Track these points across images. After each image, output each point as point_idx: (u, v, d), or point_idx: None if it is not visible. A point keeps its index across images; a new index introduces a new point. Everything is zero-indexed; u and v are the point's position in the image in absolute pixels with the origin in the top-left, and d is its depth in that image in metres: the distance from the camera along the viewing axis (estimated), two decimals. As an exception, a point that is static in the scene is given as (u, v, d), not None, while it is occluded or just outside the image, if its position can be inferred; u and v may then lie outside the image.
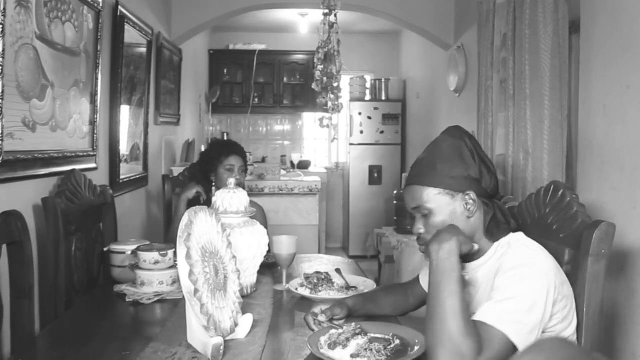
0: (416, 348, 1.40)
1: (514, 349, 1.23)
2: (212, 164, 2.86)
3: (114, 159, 3.05)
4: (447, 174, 1.44)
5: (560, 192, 1.51)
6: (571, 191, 1.50)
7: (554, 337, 1.11)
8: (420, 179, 1.47)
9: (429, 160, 1.48)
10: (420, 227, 1.49)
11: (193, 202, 2.70)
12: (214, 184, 2.87)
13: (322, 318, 1.57)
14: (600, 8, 2.29)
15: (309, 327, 1.58)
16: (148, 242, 2.13)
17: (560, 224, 1.48)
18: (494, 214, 1.46)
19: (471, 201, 1.43)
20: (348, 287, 1.97)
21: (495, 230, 1.46)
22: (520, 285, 1.28)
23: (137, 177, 3.50)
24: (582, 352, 1.02)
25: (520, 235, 1.47)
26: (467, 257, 1.44)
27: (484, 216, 1.45)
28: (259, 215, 2.13)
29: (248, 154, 5.07)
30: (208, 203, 2.68)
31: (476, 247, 1.40)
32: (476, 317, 1.27)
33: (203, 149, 4.77)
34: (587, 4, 2.40)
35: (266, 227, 2.51)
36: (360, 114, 6.59)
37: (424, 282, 1.72)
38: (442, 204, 1.44)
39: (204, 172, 2.92)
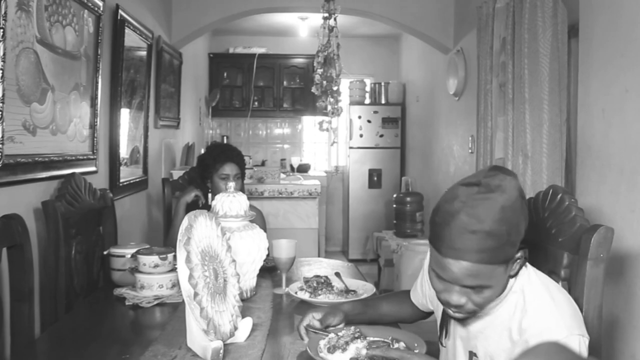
0: (415, 352, 1.40)
1: None
2: (207, 171, 2.85)
3: (114, 162, 3.05)
4: (512, 244, 1.23)
5: (559, 196, 1.51)
6: (570, 195, 1.50)
7: (551, 341, 1.09)
8: (488, 257, 1.20)
9: (496, 231, 1.19)
10: (462, 300, 1.27)
11: (192, 206, 2.70)
12: (210, 190, 2.86)
13: (316, 324, 1.56)
14: (599, 12, 2.30)
15: (300, 337, 1.54)
16: (148, 246, 2.13)
17: (558, 228, 1.49)
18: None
19: (517, 265, 1.28)
20: (347, 291, 1.97)
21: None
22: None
23: (137, 180, 3.50)
24: (579, 357, 1.02)
25: (530, 270, 1.34)
26: None
27: (525, 260, 1.33)
28: (258, 220, 2.13)
29: (247, 158, 5.07)
30: (207, 207, 2.68)
31: None
32: None
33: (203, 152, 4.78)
34: (585, 8, 2.41)
35: (265, 231, 2.51)
36: (359, 117, 6.60)
37: (415, 298, 1.69)
38: (498, 276, 1.24)
39: (201, 177, 2.91)
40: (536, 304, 1.26)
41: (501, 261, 1.22)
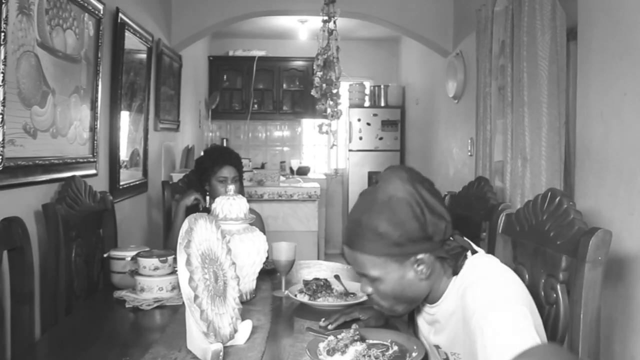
0: (414, 354, 1.41)
1: None
2: (205, 174, 2.85)
3: (114, 165, 3.06)
4: (392, 241, 1.27)
5: (557, 199, 1.52)
6: (568, 198, 1.51)
7: (546, 343, 1.09)
8: (361, 245, 1.30)
9: (369, 223, 1.28)
10: (368, 289, 1.37)
11: (192, 209, 2.70)
12: (208, 193, 2.86)
13: (330, 326, 1.64)
14: (598, 16, 2.31)
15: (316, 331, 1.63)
16: (148, 248, 2.13)
17: (557, 231, 1.49)
18: (449, 255, 1.33)
19: (423, 265, 1.30)
20: (347, 294, 1.97)
21: (454, 266, 1.35)
22: (502, 319, 1.18)
23: (137, 183, 3.51)
24: (574, 359, 1.03)
25: (476, 258, 1.36)
26: (426, 299, 1.40)
27: (440, 265, 1.34)
28: (257, 223, 2.13)
29: (247, 160, 5.08)
30: (206, 210, 2.68)
31: None
32: None
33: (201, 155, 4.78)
34: (584, 11, 2.42)
35: (264, 234, 2.51)
36: (359, 120, 6.61)
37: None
38: (389, 271, 1.30)
39: (199, 180, 2.91)
40: (475, 284, 1.27)
41: (378, 254, 1.28)
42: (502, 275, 1.30)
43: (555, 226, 1.50)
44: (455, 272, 1.34)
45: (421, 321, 1.50)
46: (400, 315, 1.46)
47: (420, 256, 1.29)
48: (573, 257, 1.42)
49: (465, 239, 1.39)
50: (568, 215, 1.47)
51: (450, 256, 1.32)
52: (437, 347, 1.42)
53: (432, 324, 1.43)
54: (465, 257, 1.35)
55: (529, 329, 1.15)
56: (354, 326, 1.49)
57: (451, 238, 1.35)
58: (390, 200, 1.27)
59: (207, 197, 2.85)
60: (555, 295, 1.46)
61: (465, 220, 2.30)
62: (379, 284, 1.33)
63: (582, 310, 1.38)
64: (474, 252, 1.37)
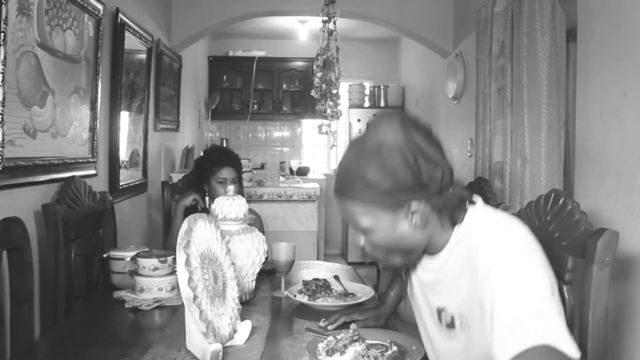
0: (413, 355, 1.41)
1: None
2: (205, 175, 2.85)
3: (114, 165, 3.06)
4: (383, 189, 1.18)
5: (561, 200, 1.52)
6: (571, 199, 1.51)
7: (543, 344, 1.07)
8: (351, 194, 1.22)
9: (358, 170, 1.20)
10: (361, 240, 1.30)
11: (190, 210, 2.70)
12: (207, 193, 2.86)
13: (330, 327, 1.65)
14: (597, 16, 2.31)
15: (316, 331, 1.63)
16: (147, 249, 2.13)
17: (562, 232, 1.49)
18: (447, 205, 1.24)
19: (417, 216, 1.21)
20: (346, 294, 1.97)
21: (453, 216, 1.26)
22: (520, 283, 1.10)
23: (137, 183, 3.51)
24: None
25: (478, 209, 1.28)
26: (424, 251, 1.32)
27: (437, 215, 1.24)
28: (256, 224, 2.14)
29: (247, 161, 5.08)
30: (205, 211, 2.68)
31: None
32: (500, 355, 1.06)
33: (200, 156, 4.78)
34: (584, 12, 2.42)
35: (263, 234, 2.51)
36: (359, 120, 6.61)
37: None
38: (381, 222, 1.22)
39: (198, 181, 2.91)
40: (487, 240, 1.19)
41: (368, 202, 1.20)
42: (513, 228, 1.22)
43: (560, 227, 1.50)
44: (454, 223, 1.26)
45: (417, 283, 1.41)
46: (399, 268, 1.39)
47: (414, 206, 1.19)
48: (579, 258, 1.42)
49: (466, 187, 1.32)
50: (573, 216, 1.47)
51: (448, 207, 1.24)
52: (441, 310, 1.31)
53: (432, 285, 1.34)
54: (465, 208, 1.27)
55: (546, 303, 1.08)
56: (352, 326, 1.50)
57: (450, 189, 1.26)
58: (380, 148, 1.18)
59: (206, 198, 2.85)
60: (560, 296, 1.46)
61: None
62: (371, 234, 1.25)
63: (590, 311, 1.38)
64: (472, 202, 1.29)
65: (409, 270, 1.43)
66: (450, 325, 1.27)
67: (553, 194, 1.55)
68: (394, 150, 1.17)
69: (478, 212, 1.27)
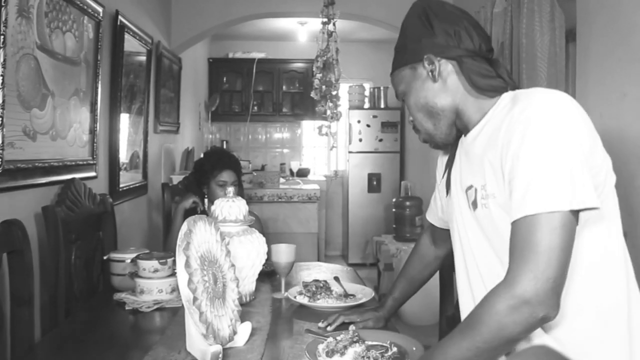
0: (413, 356, 1.41)
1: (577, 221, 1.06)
2: (204, 178, 2.85)
3: (114, 167, 3.06)
4: (403, 48, 1.34)
5: None
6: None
7: (540, 344, 1.08)
8: (392, 66, 1.38)
9: (395, 45, 1.38)
10: (410, 117, 1.38)
11: (190, 213, 2.70)
12: (206, 196, 2.86)
13: (329, 327, 1.65)
14: (596, 17, 2.31)
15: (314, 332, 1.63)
16: (147, 251, 2.13)
17: None
18: (479, 69, 1.26)
19: (430, 64, 1.28)
20: (346, 295, 1.97)
21: (490, 86, 1.26)
22: (545, 146, 1.06)
23: (137, 185, 3.51)
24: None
25: (521, 91, 1.23)
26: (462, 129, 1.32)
27: (464, 74, 1.27)
28: (255, 225, 2.14)
29: (247, 162, 5.09)
30: (204, 214, 2.68)
31: None
32: (516, 216, 1.06)
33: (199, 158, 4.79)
34: (583, 13, 2.42)
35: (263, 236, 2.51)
36: (359, 122, 6.61)
37: (431, 217, 1.66)
38: (409, 82, 1.33)
39: (197, 184, 2.91)
40: (522, 102, 1.15)
41: (397, 66, 1.34)
42: (562, 98, 1.14)
43: None
44: (495, 94, 1.26)
45: (456, 172, 1.39)
46: (437, 145, 1.38)
47: (427, 55, 1.27)
48: None
49: (509, 75, 1.30)
50: None
51: (474, 72, 1.26)
52: (469, 188, 1.29)
53: (466, 164, 1.32)
54: (504, 88, 1.27)
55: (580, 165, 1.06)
56: (351, 328, 1.50)
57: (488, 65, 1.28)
58: (405, 22, 1.36)
59: (206, 201, 2.85)
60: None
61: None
62: (407, 99, 1.34)
63: None
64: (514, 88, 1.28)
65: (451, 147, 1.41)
66: (474, 203, 1.26)
67: None
68: (410, 13, 1.35)
69: (521, 92, 1.23)
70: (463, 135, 1.34)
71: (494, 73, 1.27)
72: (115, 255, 2.13)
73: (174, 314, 1.83)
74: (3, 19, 1.82)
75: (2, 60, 1.82)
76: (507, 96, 1.24)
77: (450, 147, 1.41)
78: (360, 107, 6.69)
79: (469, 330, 1.06)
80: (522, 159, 1.08)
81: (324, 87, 3.95)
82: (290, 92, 6.91)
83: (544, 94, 1.14)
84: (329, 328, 1.65)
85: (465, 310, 1.33)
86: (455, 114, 1.30)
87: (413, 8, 1.35)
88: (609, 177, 1.20)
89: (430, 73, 1.28)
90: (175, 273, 1.65)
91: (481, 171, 1.22)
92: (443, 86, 1.28)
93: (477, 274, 1.28)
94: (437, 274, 2.38)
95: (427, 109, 1.31)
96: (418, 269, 1.75)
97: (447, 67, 1.27)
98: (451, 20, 1.28)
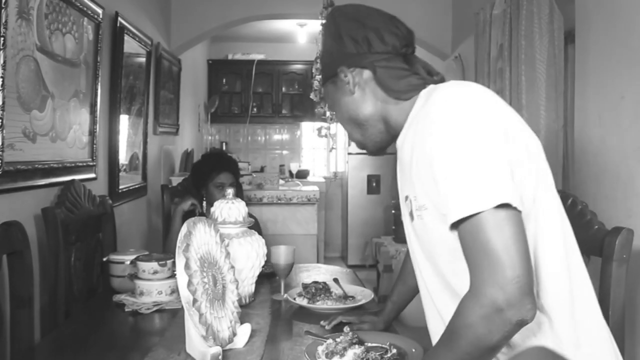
0: (412, 357, 1.41)
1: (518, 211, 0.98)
2: (202, 180, 2.85)
3: (113, 169, 3.06)
4: (323, 66, 1.33)
5: (570, 200, 1.56)
6: (580, 200, 1.54)
7: (541, 346, 1.07)
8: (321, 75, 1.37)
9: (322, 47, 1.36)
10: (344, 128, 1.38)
11: (188, 215, 2.70)
12: (204, 198, 2.87)
13: (327, 327, 1.67)
14: (595, 19, 2.32)
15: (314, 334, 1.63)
16: (147, 252, 2.13)
17: (573, 231, 1.51)
18: (394, 72, 1.23)
19: (344, 76, 1.25)
20: (346, 297, 1.98)
21: (408, 87, 1.22)
22: (455, 142, 1.01)
23: (136, 187, 3.51)
24: None
25: (441, 86, 1.16)
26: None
27: (378, 82, 1.24)
28: (254, 227, 2.14)
29: (246, 164, 5.08)
30: (203, 216, 2.68)
31: None
32: (452, 219, 1.00)
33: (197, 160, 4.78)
34: (582, 15, 2.43)
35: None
36: (358, 123, 6.61)
37: None
38: (332, 96, 1.31)
39: (195, 186, 2.91)
40: (437, 97, 1.10)
41: (324, 82, 1.33)
42: (472, 89, 1.10)
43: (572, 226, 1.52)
44: (399, 96, 1.23)
45: (398, 178, 1.34)
46: (372, 152, 1.36)
47: (344, 71, 1.25)
48: (595, 256, 1.46)
49: (431, 67, 1.27)
50: (585, 216, 1.51)
51: (389, 76, 1.22)
52: (406, 198, 1.23)
53: (400, 172, 1.29)
54: (423, 85, 1.23)
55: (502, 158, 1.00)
56: (345, 329, 1.50)
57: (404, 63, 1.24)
58: (323, 39, 1.35)
59: (204, 203, 2.86)
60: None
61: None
62: (335, 111, 1.34)
63: (610, 307, 1.42)
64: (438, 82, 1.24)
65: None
66: (411, 214, 1.19)
67: (560, 195, 1.57)
68: (324, 25, 1.39)
69: (432, 89, 1.18)
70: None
71: (410, 71, 1.23)
72: (114, 257, 2.13)
73: (174, 315, 1.83)
74: (3, 20, 1.82)
75: (2, 62, 1.82)
76: (423, 94, 1.21)
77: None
78: (360, 109, 6.69)
79: (450, 343, 1.02)
80: (436, 161, 1.03)
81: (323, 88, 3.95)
82: (290, 93, 6.91)
83: (446, 89, 1.10)
84: (327, 327, 1.66)
85: (430, 319, 1.28)
86: (382, 120, 1.27)
87: (326, 20, 1.34)
88: (536, 162, 1.10)
89: (346, 85, 1.26)
90: (175, 275, 1.65)
91: (411, 181, 1.16)
92: (362, 96, 1.26)
93: (423, 285, 1.25)
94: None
95: (352, 120, 1.30)
96: (413, 272, 1.72)
97: (363, 76, 1.25)
98: (357, 26, 1.24)
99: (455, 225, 1.01)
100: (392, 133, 1.28)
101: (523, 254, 0.95)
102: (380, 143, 1.31)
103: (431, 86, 1.21)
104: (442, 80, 1.24)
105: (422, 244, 1.19)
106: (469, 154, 0.99)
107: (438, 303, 1.20)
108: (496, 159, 0.99)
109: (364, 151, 1.37)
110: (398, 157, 1.29)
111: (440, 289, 1.17)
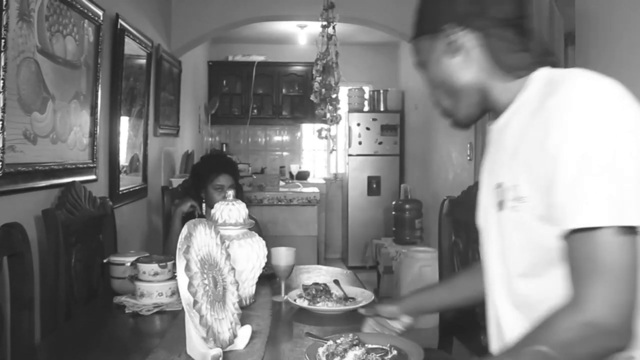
0: (413, 358, 1.41)
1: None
2: (201, 182, 2.85)
3: (114, 170, 3.07)
4: (422, 15, 1.19)
5: None
6: None
7: (539, 349, 1.03)
8: (412, 32, 1.22)
9: (415, 7, 1.22)
10: (429, 88, 1.23)
11: (188, 217, 2.70)
12: (204, 200, 2.87)
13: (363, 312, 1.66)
14: (595, 21, 2.32)
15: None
16: (147, 254, 2.13)
17: None
18: (508, 43, 1.09)
19: (449, 38, 1.12)
20: (346, 298, 1.98)
21: (519, 63, 1.10)
22: (596, 141, 0.92)
23: (137, 188, 3.51)
24: None
25: (559, 70, 1.07)
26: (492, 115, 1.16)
27: (490, 49, 1.11)
28: (254, 229, 2.14)
29: (247, 165, 5.10)
30: (202, 217, 2.68)
31: None
32: (569, 226, 0.92)
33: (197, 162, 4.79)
34: (582, 17, 2.43)
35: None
36: (358, 124, 6.62)
37: None
38: (427, 53, 1.17)
39: (195, 188, 2.92)
40: (563, 87, 0.99)
41: (419, 34, 1.19)
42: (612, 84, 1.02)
43: None
44: (509, 71, 1.11)
45: (486, 161, 1.25)
46: (458, 124, 1.21)
47: (449, 24, 1.11)
48: None
49: (548, 46, 1.14)
50: None
51: (502, 48, 1.10)
52: (498, 185, 1.12)
53: (495, 155, 1.18)
54: (540, 66, 1.10)
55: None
56: (351, 335, 1.50)
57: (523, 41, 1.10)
58: None
59: (203, 205, 2.86)
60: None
61: (465, 224, 2.30)
62: (426, 70, 1.19)
63: None
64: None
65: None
66: (501, 204, 1.10)
67: None
68: None
69: (556, 74, 1.06)
70: (490, 121, 1.19)
71: (524, 46, 1.09)
72: (115, 259, 2.13)
73: (174, 317, 1.83)
74: (4, 23, 1.82)
75: (2, 64, 1.83)
76: (540, 77, 1.07)
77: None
78: (360, 110, 6.70)
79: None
80: (565, 161, 0.93)
81: (323, 90, 3.96)
82: (290, 95, 6.92)
83: (585, 79, 1.00)
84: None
85: (490, 321, 1.19)
86: (480, 93, 1.14)
87: None
88: None
89: (447, 47, 1.13)
90: (175, 276, 1.65)
91: (512, 169, 1.05)
92: (465, 61, 1.12)
93: (488, 284, 1.19)
94: (436, 275, 2.38)
95: (446, 85, 1.16)
96: (466, 288, 1.51)
97: (470, 40, 1.11)
98: None
99: (568, 232, 0.93)
100: (485, 108, 1.17)
101: (634, 282, 0.89)
102: (470, 116, 1.18)
103: (548, 71, 1.09)
104: (554, 64, 1.11)
105: (503, 238, 1.11)
106: (613, 164, 0.91)
107: (499, 309, 1.14)
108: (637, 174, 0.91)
109: (447, 120, 1.23)
110: (492, 140, 1.19)
111: (504, 295, 1.11)
